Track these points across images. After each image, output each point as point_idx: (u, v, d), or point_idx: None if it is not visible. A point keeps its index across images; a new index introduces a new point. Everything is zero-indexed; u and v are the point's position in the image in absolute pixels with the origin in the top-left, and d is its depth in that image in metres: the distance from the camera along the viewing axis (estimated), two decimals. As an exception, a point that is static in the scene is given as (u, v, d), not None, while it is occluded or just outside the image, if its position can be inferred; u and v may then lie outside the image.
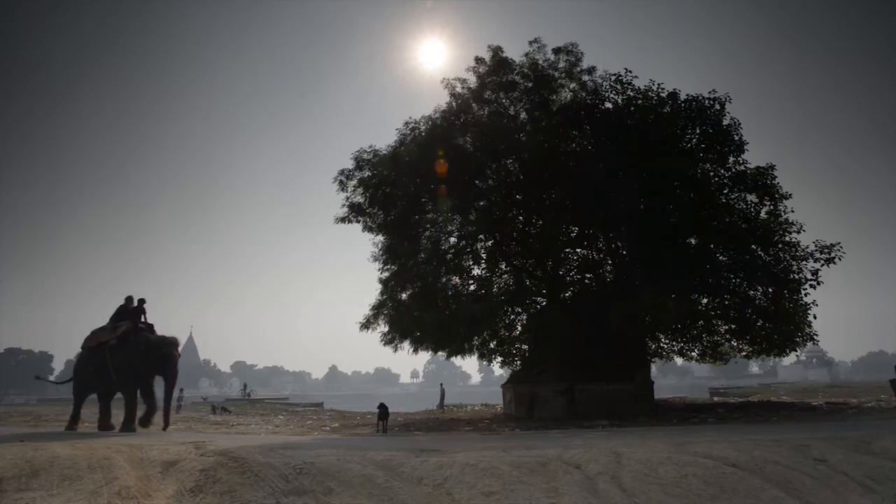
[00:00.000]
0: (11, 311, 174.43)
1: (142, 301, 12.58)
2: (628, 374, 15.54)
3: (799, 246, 15.62)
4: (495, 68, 17.25)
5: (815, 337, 15.74)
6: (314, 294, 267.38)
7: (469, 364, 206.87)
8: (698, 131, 16.68)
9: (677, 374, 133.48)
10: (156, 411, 11.62)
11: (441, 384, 27.51)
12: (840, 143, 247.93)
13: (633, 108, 16.59)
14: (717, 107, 16.49)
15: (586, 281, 18.74)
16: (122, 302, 12.64)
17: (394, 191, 16.77)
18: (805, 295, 15.36)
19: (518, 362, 19.53)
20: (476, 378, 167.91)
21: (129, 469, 6.02)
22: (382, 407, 12.72)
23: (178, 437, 9.37)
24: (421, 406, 27.81)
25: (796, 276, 15.25)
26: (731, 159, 16.64)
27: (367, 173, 17.30)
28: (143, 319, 12.38)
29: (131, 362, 11.36)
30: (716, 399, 25.86)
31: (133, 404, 11.36)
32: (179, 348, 12.23)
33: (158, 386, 11.80)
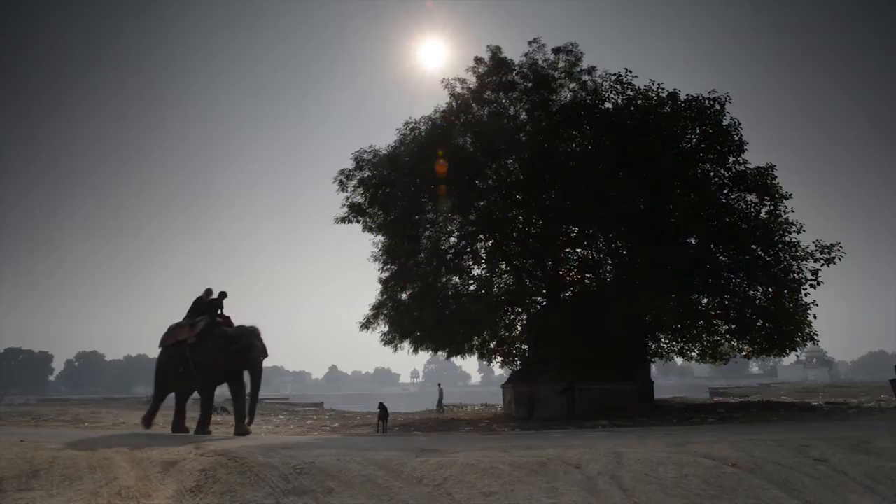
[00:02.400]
0: (11, 311, 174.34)
1: (223, 294, 11.63)
2: (628, 374, 15.54)
3: (799, 246, 15.61)
4: (495, 68, 17.27)
5: (815, 337, 15.76)
6: (314, 294, 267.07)
7: (469, 364, 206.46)
8: (698, 131, 16.68)
9: (677, 374, 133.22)
10: (244, 413, 10.58)
11: (439, 384, 26.37)
12: (840, 143, 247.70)
13: (633, 108, 16.59)
14: (717, 107, 16.49)
15: (586, 281, 18.75)
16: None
17: (394, 191, 16.77)
18: (805, 295, 15.37)
19: (518, 362, 19.52)
20: (476, 378, 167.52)
21: (129, 469, 6.01)
22: (382, 407, 12.73)
23: (178, 437, 9.37)
24: (421, 406, 27.64)
25: (796, 276, 15.26)
26: (731, 159, 16.64)
27: (367, 173, 17.31)
28: (220, 313, 11.46)
29: (215, 360, 10.45)
30: (716, 399, 25.83)
31: (209, 406, 10.83)
32: (262, 336, 10.91)
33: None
